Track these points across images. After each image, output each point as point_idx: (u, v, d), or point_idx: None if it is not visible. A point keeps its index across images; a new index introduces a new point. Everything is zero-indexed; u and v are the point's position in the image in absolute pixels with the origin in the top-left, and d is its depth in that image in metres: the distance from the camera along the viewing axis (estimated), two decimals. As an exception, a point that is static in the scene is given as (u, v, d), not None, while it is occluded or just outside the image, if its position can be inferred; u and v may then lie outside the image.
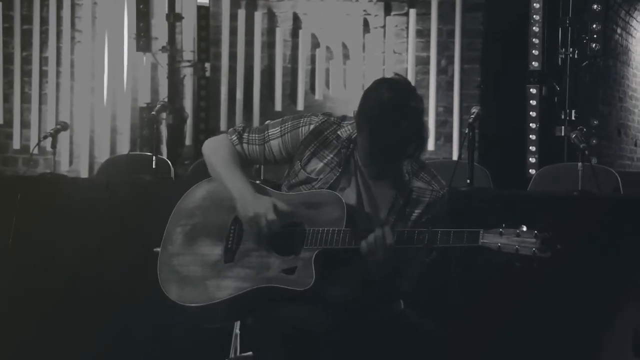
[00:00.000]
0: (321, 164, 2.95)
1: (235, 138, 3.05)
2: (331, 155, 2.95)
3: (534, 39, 7.21)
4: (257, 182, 3.10)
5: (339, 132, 2.97)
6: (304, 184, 2.96)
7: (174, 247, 3.00)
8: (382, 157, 2.84)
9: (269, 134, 3.03)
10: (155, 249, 3.03)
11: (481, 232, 2.67)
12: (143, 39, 7.49)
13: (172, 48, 7.48)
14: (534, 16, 7.21)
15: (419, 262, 2.93)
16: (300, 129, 2.99)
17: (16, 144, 7.84)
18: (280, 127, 3.02)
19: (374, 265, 2.78)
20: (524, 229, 2.63)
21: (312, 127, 2.98)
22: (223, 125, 7.54)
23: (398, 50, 7.36)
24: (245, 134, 3.06)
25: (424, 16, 7.33)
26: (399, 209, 2.90)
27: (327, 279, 2.82)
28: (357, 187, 2.94)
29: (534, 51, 7.21)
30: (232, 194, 2.94)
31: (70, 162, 7.74)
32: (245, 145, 3.05)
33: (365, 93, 2.85)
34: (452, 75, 7.28)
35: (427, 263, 2.92)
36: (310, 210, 2.87)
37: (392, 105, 2.76)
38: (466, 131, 4.65)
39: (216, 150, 3.04)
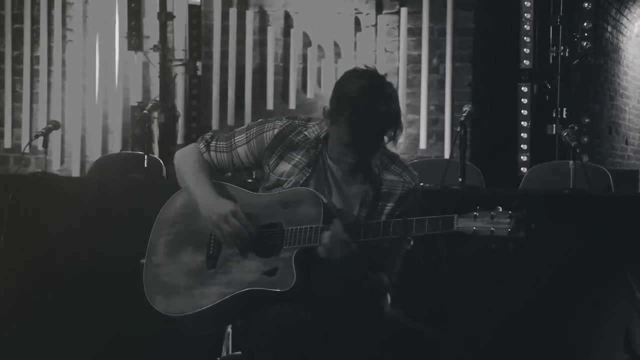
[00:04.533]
0: (289, 166, 2.96)
1: (203, 146, 3.07)
2: (299, 157, 2.96)
3: (525, 37, 7.22)
4: (250, 180, 3.10)
5: (305, 133, 2.97)
6: (276, 186, 2.96)
7: (158, 258, 3.01)
8: (362, 146, 2.82)
9: (236, 141, 3.04)
10: (141, 261, 3.03)
11: (455, 217, 2.66)
12: (134, 37, 7.48)
13: (164, 47, 7.47)
14: (525, 14, 7.22)
15: (398, 254, 2.93)
16: (265, 134, 3.00)
17: (7, 143, 7.82)
18: (246, 134, 3.03)
19: (339, 264, 2.78)
20: (500, 209, 2.61)
21: (276, 131, 2.98)
22: (215, 124, 7.54)
23: (389, 48, 7.37)
24: (213, 142, 3.07)
25: (415, 14, 7.34)
26: (370, 203, 2.91)
27: (309, 277, 2.82)
28: (328, 186, 2.94)
29: (525, 49, 7.22)
30: (196, 200, 2.96)
31: (62, 161, 7.73)
32: (213, 154, 3.07)
33: (338, 83, 2.86)
34: (444, 74, 7.29)
35: (405, 253, 2.93)
36: (288, 209, 2.87)
37: (369, 91, 2.78)
38: (458, 129, 4.66)
39: (184, 160, 3.06)
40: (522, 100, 7.17)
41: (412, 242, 2.84)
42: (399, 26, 7.33)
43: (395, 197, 2.92)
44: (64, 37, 7.76)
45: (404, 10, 7.30)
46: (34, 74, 7.78)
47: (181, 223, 3.02)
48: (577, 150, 4.84)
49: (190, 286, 2.91)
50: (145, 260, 3.03)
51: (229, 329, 3.28)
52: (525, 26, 7.22)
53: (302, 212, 2.84)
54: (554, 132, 7.17)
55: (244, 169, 3.10)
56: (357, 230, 2.78)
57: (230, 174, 3.27)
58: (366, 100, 2.76)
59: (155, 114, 7.10)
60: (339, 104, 2.81)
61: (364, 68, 2.87)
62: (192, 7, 7.49)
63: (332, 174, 2.95)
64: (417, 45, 7.31)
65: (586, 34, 7.23)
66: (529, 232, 2.59)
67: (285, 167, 2.96)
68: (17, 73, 7.83)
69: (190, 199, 3.02)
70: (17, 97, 7.83)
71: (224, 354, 3.29)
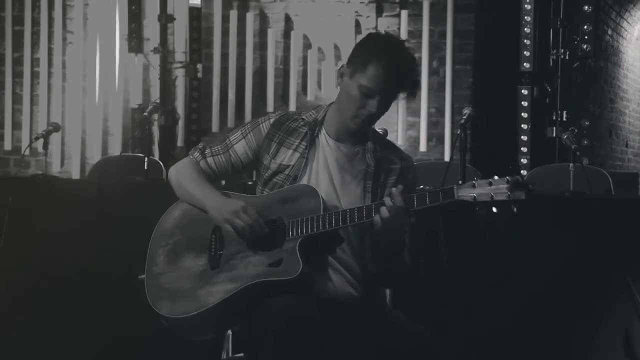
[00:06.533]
0: (290, 151, 3.01)
1: (198, 154, 3.11)
2: (298, 141, 3.01)
3: (525, 40, 7.22)
4: (250, 182, 3.11)
5: (303, 117, 3.05)
6: (278, 173, 3.00)
7: (159, 267, 3.01)
8: (383, 92, 2.86)
9: (231, 140, 3.09)
10: (140, 277, 3.03)
11: (455, 187, 2.72)
12: (135, 40, 7.49)
13: (164, 49, 7.48)
14: (525, 17, 7.23)
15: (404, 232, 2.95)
16: (261, 125, 3.07)
17: (7, 145, 7.83)
18: (241, 130, 3.09)
19: (391, 234, 2.80)
20: (496, 178, 2.67)
21: (272, 120, 3.07)
22: (215, 126, 7.54)
23: (390, 51, 7.36)
24: (208, 149, 3.11)
25: (415, 17, 7.34)
26: (373, 175, 2.97)
27: (314, 266, 2.83)
28: (328, 167, 2.98)
29: (525, 52, 7.22)
30: (204, 204, 2.98)
31: (62, 164, 7.73)
32: (209, 159, 3.09)
33: (364, 39, 2.99)
34: (444, 77, 7.29)
35: (408, 228, 2.95)
36: (287, 205, 2.90)
37: (399, 42, 2.95)
38: (458, 132, 4.66)
39: (181, 172, 3.09)
40: (522, 102, 7.17)
41: (413, 218, 2.85)
42: (399, 29, 7.33)
43: (396, 171, 3.00)
44: (64, 39, 7.77)
45: (404, 13, 7.31)
46: (34, 76, 7.79)
47: (179, 233, 3.03)
48: (577, 153, 4.85)
49: (195, 287, 2.90)
50: (145, 274, 3.02)
51: (229, 331, 3.27)
52: (525, 29, 7.22)
53: (302, 205, 2.86)
54: (554, 135, 7.17)
55: (242, 169, 3.12)
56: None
57: (224, 182, 3.28)
58: (397, 48, 2.90)
59: (156, 116, 7.12)
60: (367, 51, 2.90)
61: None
62: (192, 10, 7.50)
63: (332, 154, 2.99)
64: (417, 47, 7.30)
65: (586, 37, 7.23)
66: (528, 194, 2.62)
67: (286, 152, 3.01)
68: (17, 75, 7.84)
69: (187, 209, 3.04)
70: (17, 99, 7.84)
71: (224, 356, 3.29)
